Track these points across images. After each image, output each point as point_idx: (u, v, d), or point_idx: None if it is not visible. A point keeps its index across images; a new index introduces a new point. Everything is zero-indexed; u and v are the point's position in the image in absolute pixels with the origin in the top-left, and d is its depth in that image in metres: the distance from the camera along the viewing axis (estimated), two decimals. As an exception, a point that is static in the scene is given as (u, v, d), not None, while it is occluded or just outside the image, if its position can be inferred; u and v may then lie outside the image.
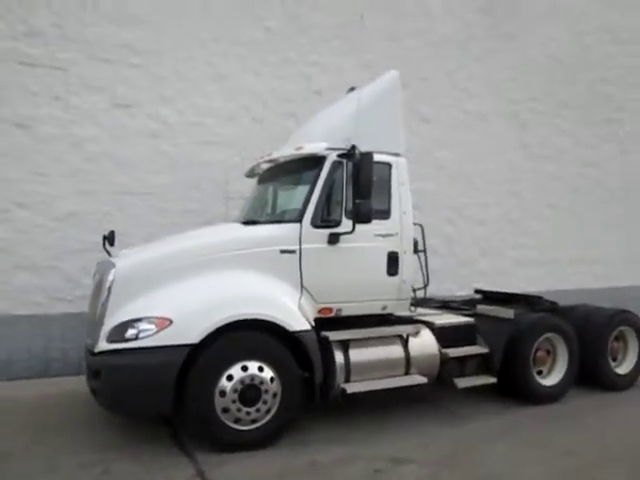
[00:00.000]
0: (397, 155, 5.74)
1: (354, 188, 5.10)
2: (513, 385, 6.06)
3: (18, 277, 7.27)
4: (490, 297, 7.76)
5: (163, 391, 4.43)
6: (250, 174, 6.72)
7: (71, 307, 7.45)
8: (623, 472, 4.26)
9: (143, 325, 4.52)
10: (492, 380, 5.90)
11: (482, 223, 10.72)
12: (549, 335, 6.24)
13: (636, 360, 6.88)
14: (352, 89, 6.49)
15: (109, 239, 6.00)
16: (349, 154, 5.18)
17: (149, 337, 4.47)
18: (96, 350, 4.63)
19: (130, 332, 4.51)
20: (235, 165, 8.27)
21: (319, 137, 5.60)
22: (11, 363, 7.15)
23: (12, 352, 7.17)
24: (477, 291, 8.29)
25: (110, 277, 4.75)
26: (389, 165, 5.64)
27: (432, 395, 6.16)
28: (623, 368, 6.85)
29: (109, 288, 4.73)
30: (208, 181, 8.28)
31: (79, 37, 7.66)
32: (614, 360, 6.81)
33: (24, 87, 7.39)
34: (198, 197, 8.24)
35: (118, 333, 4.55)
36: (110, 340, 4.57)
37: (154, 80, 8.08)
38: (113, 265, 4.85)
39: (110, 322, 4.63)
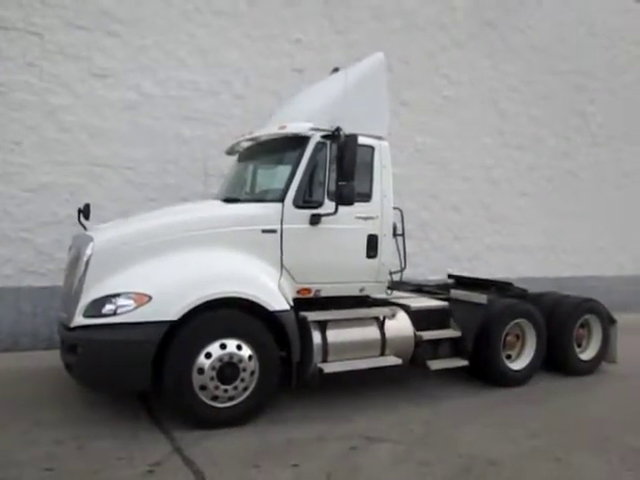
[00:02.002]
0: (380, 138, 5.76)
1: (337, 170, 5.09)
2: (483, 368, 6.22)
3: (-12, 248, 7.09)
4: (463, 282, 7.91)
5: (140, 367, 4.41)
6: (230, 151, 6.65)
7: (43, 281, 7.31)
8: (586, 451, 4.44)
9: (121, 301, 4.48)
10: (464, 363, 6.04)
11: (457, 209, 10.86)
12: (519, 321, 6.41)
13: (599, 347, 7.11)
14: (336, 69, 6.47)
15: (84, 212, 5.88)
16: (334, 135, 5.17)
17: (127, 313, 4.44)
18: (72, 325, 4.58)
19: (108, 307, 4.47)
20: (214, 141, 8.17)
21: (303, 117, 5.58)
22: (-21, 336, 7.01)
23: (-20, 325, 7.03)
24: (450, 276, 8.44)
25: (88, 251, 4.68)
26: (372, 148, 5.66)
27: (406, 376, 6.29)
28: (587, 354, 7.08)
29: (86, 262, 4.65)
30: (186, 157, 8.16)
31: (56, 2, 7.40)
32: (579, 346, 7.03)
33: (-4, 51, 7.13)
34: (176, 172, 8.12)
35: (95, 308, 4.50)
36: (87, 315, 4.52)
37: (133, 50, 7.89)
38: (91, 239, 4.77)
39: (87, 297, 4.57)
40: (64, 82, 7.49)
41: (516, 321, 6.38)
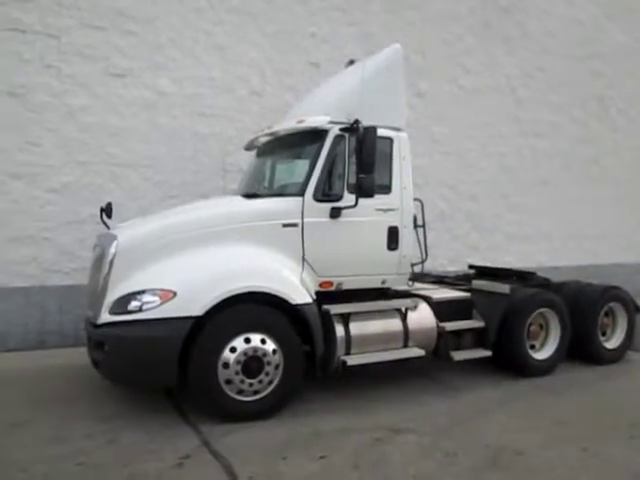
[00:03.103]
0: (398, 130, 5.73)
1: (357, 162, 5.08)
2: (507, 358, 6.18)
3: (12, 249, 7.20)
4: (484, 272, 7.85)
5: (167, 363, 4.47)
6: (249, 147, 6.67)
7: (67, 279, 7.43)
8: (612, 441, 4.41)
9: (147, 297, 4.54)
10: (487, 353, 6.02)
11: (475, 199, 10.77)
12: (543, 310, 6.36)
13: (624, 335, 7.03)
14: (351, 62, 6.44)
15: (106, 211, 5.94)
16: (352, 128, 5.16)
17: (153, 309, 4.49)
18: (98, 322, 4.65)
19: (133, 304, 4.54)
20: (232, 137, 8.21)
21: (321, 110, 5.57)
22: (7, 335, 7.13)
23: (8, 325, 7.15)
24: (471, 266, 8.38)
25: (112, 249, 4.74)
26: (391, 140, 5.63)
27: (429, 367, 6.29)
28: (612, 343, 7.00)
29: (111, 260, 4.72)
30: (205, 153, 8.21)
31: (72, 3, 7.47)
32: (603, 335, 6.96)
33: (16, 54, 7.21)
34: (194, 170, 8.17)
35: (121, 305, 4.57)
36: (113, 312, 4.59)
37: (149, 49, 7.93)
38: (115, 237, 4.84)
39: (112, 294, 4.65)
40: (82, 83, 7.56)
41: (539, 311, 6.32)
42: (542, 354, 6.36)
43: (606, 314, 6.98)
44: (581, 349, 6.75)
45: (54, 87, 7.42)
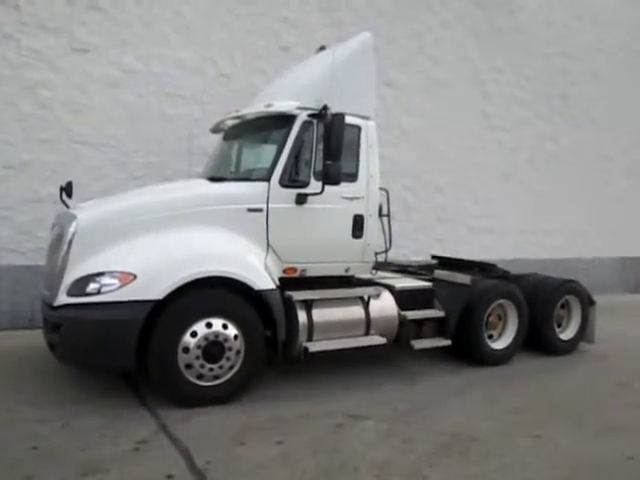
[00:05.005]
0: (367, 118, 5.73)
1: (324, 149, 5.06)
2: (466, 347, 6.31)
3: (-33, 227, 6.95)
4: (446, 263, 7.97)
5: (125, 346, 4.39)
6: (215, 130, 6.57)
7: (23, 259, 7.21)
8: (564, 428, 4.56)
9: (106, 279, 4.44)
10: (447, 342, 6.12)
11: (440, 190, 10.90)
12: (502, 301, 6.50)
13: (578, 327, 7.25)
14: (322, 48, 6.40)
15: (66, 190, 5.77)
16: (320, 114, 5.14)
17: (112, 292, 4.40)
18: (55, 304, 4.53)
19: (92, 286, 4.44)
20: (199, 120, 8.08)
21: (289, 95, 5.53)
22: (-41, 315, 6.91)
23: (-40, 303, 6.92)
24: (434, 257, 8.51)
25: (71, 229, 4.61)
26: (359, 128, 5.64)
27: (390, 355, 6.37)
28: (566, 334, 7.22)
29: (70, 241, 4.60)
30: (171, 135, 8.05)
31: (34, -28, 7.18)
32: (559, 326, 7.17)
33: (-29, 23, 6.92)
34: (159, 151, 8.01)
35: (79, 287, 4.46)
36: (71, 294, 4.48)
37: (116, 25, 7.70)
38: (74, 217, 4.71)
39: (71, 276, 4.53)
40: (43, 57, 7.29)
41: (499, 301, 6.46)
42: (499, 344, 6.51)
43: (562, 306, 7.19)
44: (537, 340, 6.94)
45: (12, 60, 7.13)
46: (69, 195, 5.75)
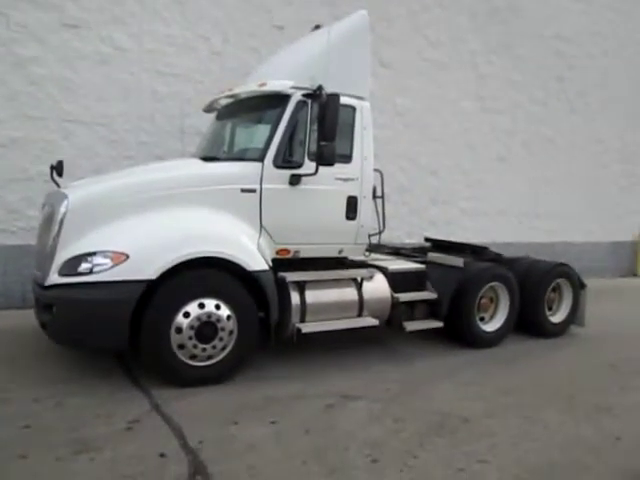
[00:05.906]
0: (362, 99, 5.68)
1: (318, 130, 5.02)
2: (458, 329, 6.35)
3: (-44, 206, 6.87)
4: (439, 245, 7.98)
5: (118, 326, 4.37)
6: (208, 109, 6.48)
7: (13, 239, 7.15)
8: (553, 409, 4.61)
9: (98, 259, 4.40)
10: (439, 324, 6.16)
11: (434, 173, 10.88)
12: (494, 284, 6.53)
13: (569, 310, 7.31)
14: (317, 27, 6.30)
15: (57, 169, 5.69)
16: (315, 94, 5.08)
17: (104, 272, 4.37)
18: (47, 284, 4.50)
19: (84, 266, 4.40)
20: (191, 98, 7.98)
21: (284, 74, 5.46)
22: (-51, 294, 6.86)
23: (-50, 283, 6.87)
24: (427, 239, 8.51)
25: (62, 209, 4.57)
26: (353, 108, 5.58)
27: (382, 337, 6.40)
28: (557, 317, 7.27)
29: (61, 220, 4.55)
30: (163, 114, 7.95)
31: (23, -55, 7.01)
32: (550, 309, 7.22)
33: (-41, -3, 6.76)
34: (152, 130, 7.91)
35: (71, 267, 4.43)
36: (62, 274, 4.45)
37: (107, 0, 7.52)
38: (65, 196, 4.65)
39: (62, 255, 4.49)
40: (33, 32, 7.15)
41: (491, 284, 6.49)
42: (491, 326, 6.55)
43: (553, 289, 7.23)
44: (528, 322, 6.99)
45: (1, 35, 6.98)
46: (60, 174, 5.67)
